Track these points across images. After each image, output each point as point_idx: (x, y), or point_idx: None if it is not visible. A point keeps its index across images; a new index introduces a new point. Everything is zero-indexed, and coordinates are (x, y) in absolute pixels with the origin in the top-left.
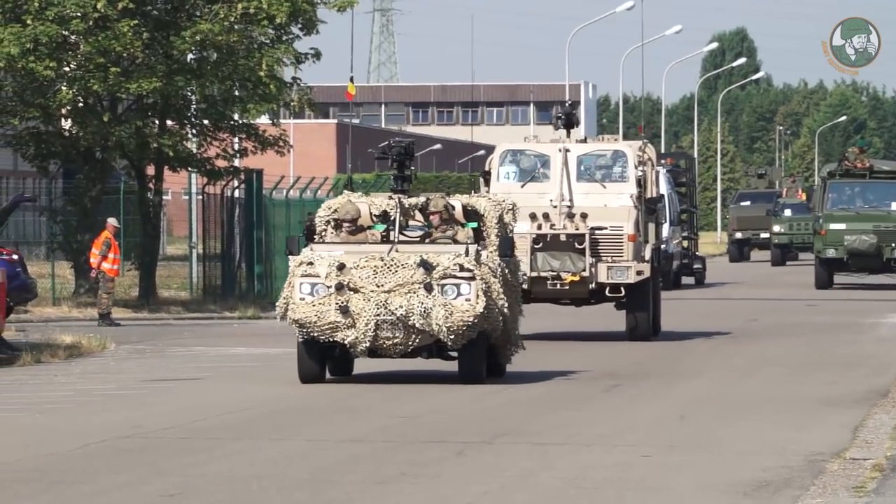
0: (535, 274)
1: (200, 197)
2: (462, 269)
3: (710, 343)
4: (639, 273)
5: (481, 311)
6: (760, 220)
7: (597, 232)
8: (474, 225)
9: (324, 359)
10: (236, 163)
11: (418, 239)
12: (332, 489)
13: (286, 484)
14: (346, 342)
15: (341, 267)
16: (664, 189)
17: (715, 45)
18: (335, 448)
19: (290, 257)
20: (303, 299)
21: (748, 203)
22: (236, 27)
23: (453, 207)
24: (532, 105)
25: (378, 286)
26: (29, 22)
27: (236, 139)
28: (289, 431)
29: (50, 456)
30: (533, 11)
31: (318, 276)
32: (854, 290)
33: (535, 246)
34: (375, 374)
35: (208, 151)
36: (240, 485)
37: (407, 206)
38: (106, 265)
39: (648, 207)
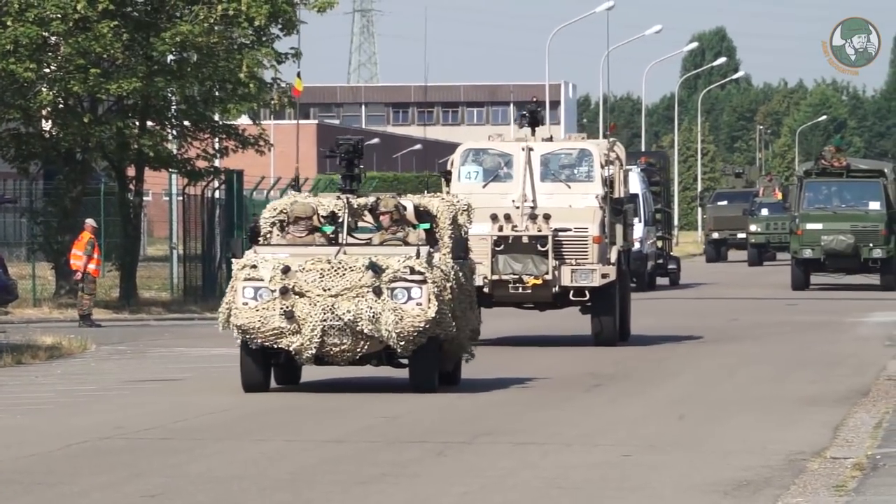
0: (496, 277)
1: (181, 198)
2: (413, 271)
3: (691, 343)
4: (604, 276)
5: (433, 315)
6: (737, 219)
7: (560, 234)
8: (426, 226)
9: (268, 366)
10: (216, 163)
11: (367, 241)
12: (312, 489)
13: (267, 484)
14: (290, 349)
15: (286, 270)
16: (638, 188)
17: (695, 44)
18: (316, 448)
19: (233, 260)
20: (245, 304)
21: (725, 203)
22: (216, 28)
23: (404, 208)
24: (512, 105)
25: (325, 290)
26: (9, 23)
27: (216, 140)
28: (270, 432)
29: (31, 457)
30: (513, 12)
31: (262, 280)
32: (832, 290)
33: (497, 248)
34: (324, 382)
35: (189, 152)
36: (221, 485)
37: (356, 206)
38: (91, 266)
39: (615, 208)
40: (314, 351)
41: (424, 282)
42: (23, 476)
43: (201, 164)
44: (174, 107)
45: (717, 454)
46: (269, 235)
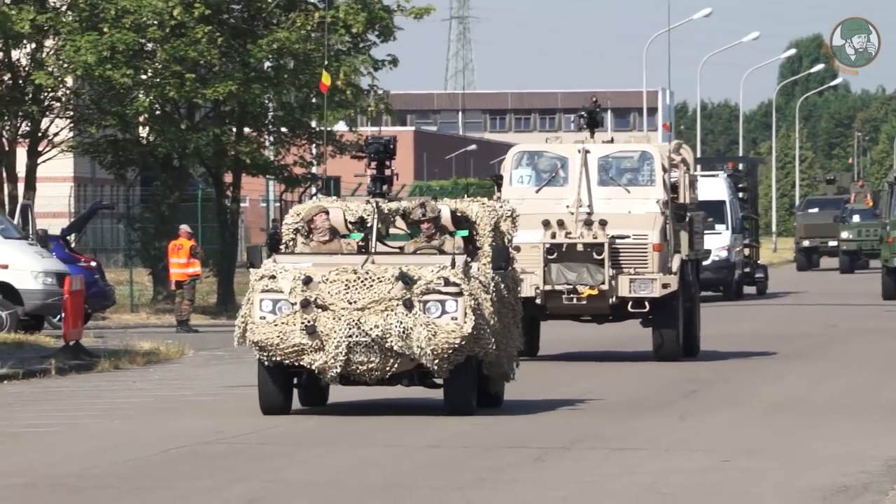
0: (548, 287)
1: (278, 204)
2: (447, 283)
3: (783, 351)
4: (665, 286)
5: (469, 331)
6: (828, 227)
7: (618, 241)
8: (465, 233)
9: (289, 386)
10: (314, 170)
11: (399, 249)
12: (410, 495)
13: (365, 490)
14: (313, 367)
15: (308, 281)
16: (725, 195)
17: (792, 51)
18: (413, 454)
19: (251, 271)
20: (263, 318)
21: (816, 210)
22: (313, 35)
23: (440, 212)
24: (609, 112)
25: (350, 303)
26: (105, 30)
27: (313, 146)
28: (366, 438)
29: (129, 462)
30: (610, 19)
31: (281, 292)
32: None
33: (550, 256)
34: (354, 403)
35: (286, 158)
36: (320, 490)
37: (386, 211)
38: (191, 270)
39: (679, 214)
40: (339, 369)
41: (460, 294)
42: (121, 481)
43: (298, 170)
44: (271, 113)
45: (814, 460)
46: (291, 243)
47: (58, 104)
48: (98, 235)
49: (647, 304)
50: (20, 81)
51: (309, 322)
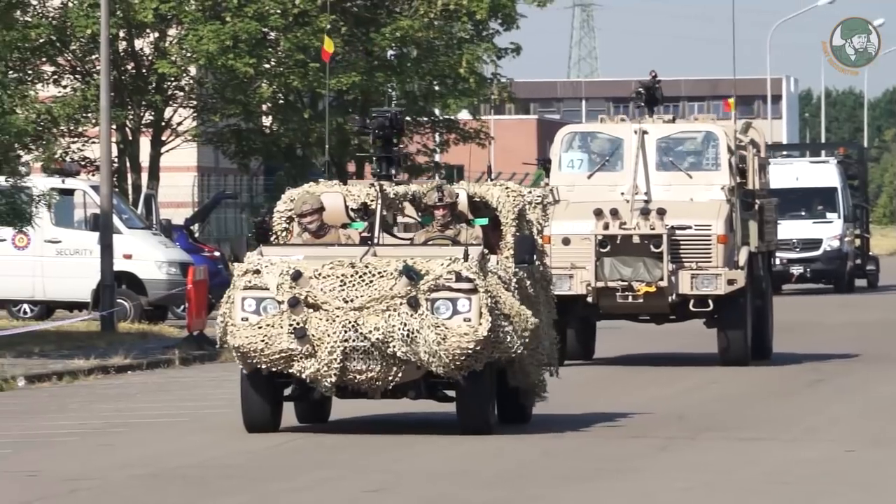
0: (601, 284)
1: None
2: (459, 278)
3: None
4: (731, 282)
5: (485, 334)
6: None
7: (678, 232)
8: (484, 221)
9: (277, 399)
10: (437, 158)
11: (409, 240)
12: (533, 484)
13: (487, 479)
14: (304, 376)
15: (297, 276)
16: (836, 182)
17: None
18: (535, 443)
19: (234, 265)
20: (245, 320)
21: None
22: (436, 23)
23: (456, 197)
24: (734, 99)
25: (346, 301)
26: (228, 19)
27: (437, 134)
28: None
29: (251, 452)
30: (736, 6)
31: (267, 289)
32: None
33: (602, 249)
34: (357, 419)
35: (409, 147)
36: (442, 480)
37: (392, 196)
38: None
39: (747, 202)
40: (333, 379)
41: (474, 291)
42: (243, 471)
43: (421, 159)
44: (394, 102)
45: None
46: (285, 234)
47: (181, 93)
48: (221, 225)
49: (710, 302)
50: (143, 71)
51: (298, 324)
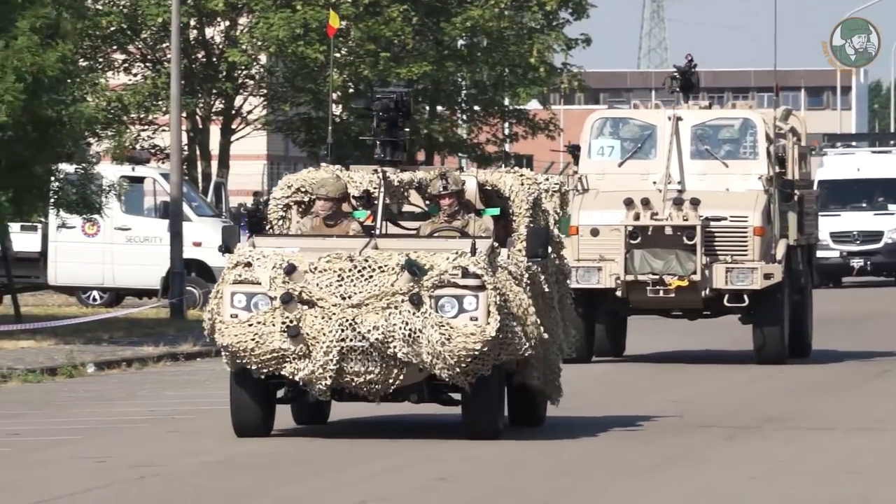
0: (631, 278)
1: None
2: (466, 274)
3: None
4: (767, 277)
5: (493, 334)
6: None
7: (713, 223)
8: (495, 211)
9: (269, 402)
10: (506, 148)
11: (415, 231)
12: (600, 472)
13: (553, 468)
14: (297, 378)
15: (290, 270)
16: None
17: None
18: (604, 433)
19: (225, 256)
20: (235, 316)
21: None
22: (507, 13)
23: (464, 185)
24: (803, 90)
25: (343, 298)
26: (299, 7)
27: (506, 124)
28: (555, 416)
29: (324, 441)
30: None
31: (258, 284)
32: None
33: (632, 241)
34: (357, 420)
35: (478, 137)
36: (506, 469)
37: (396, 183)
38: None
39: (786, 192)
40: (329, 381)
41: (482, 288)
42: (311, 458)
43: (490, 148)
44: (464, 91)
45: None
46: (282, 223)
47: (251, 82)
48: None
49: (746, 297)
50: (214, 59)
51: (291, 322)
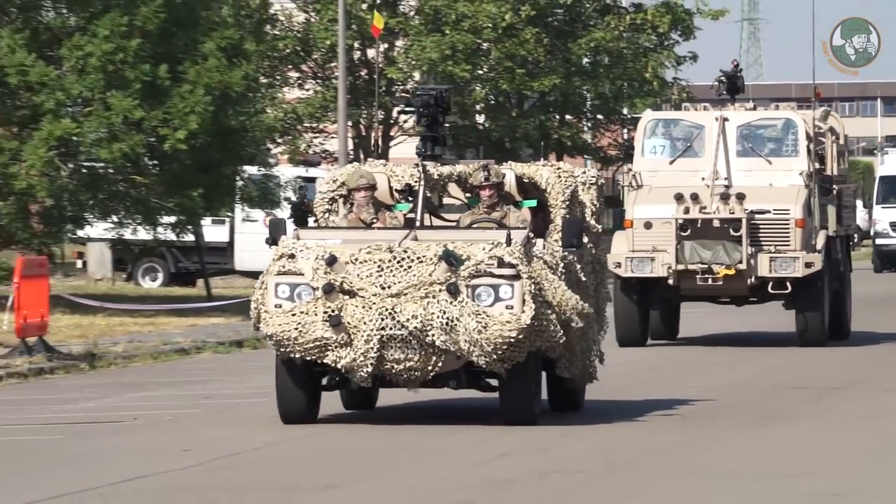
0: (681, 267)
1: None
2: (502, 263)
3: None
4: (808, 265)
5: (528, 322)
6: None
7: (757, 216)
8: (532, 203)
9: (315, 389)
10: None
11: (454, 223)
12: (697, 431)
13: (658, 427)
14: (339, 366)
15: (332, 261)
16: None
17: None
18: (703, 393)
19: (271, 248)
20: (279, 307)
21: None
22: (625, 35)
23: (503, 178)
24: (879, 100)
25: (383, 288)
26: (447, 32)
27: (625, 130)
28: (651, 386)
29: (378, 439)
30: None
31: (301, 275)
32: None
33: (683, 233)
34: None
35: (601, 141)
36: (578, 443)
37: (436, 176)
38: None
39: (825, 187)
40: (370, 368)
41: (517, 277)
42: (356, 457)
43: (612, 151)
44: (589, 102)
45: None
46: (327, 216)
47: (407, 95)
48: None
49: (789, 284)
50: (375, 76)
51: (333, 311)
